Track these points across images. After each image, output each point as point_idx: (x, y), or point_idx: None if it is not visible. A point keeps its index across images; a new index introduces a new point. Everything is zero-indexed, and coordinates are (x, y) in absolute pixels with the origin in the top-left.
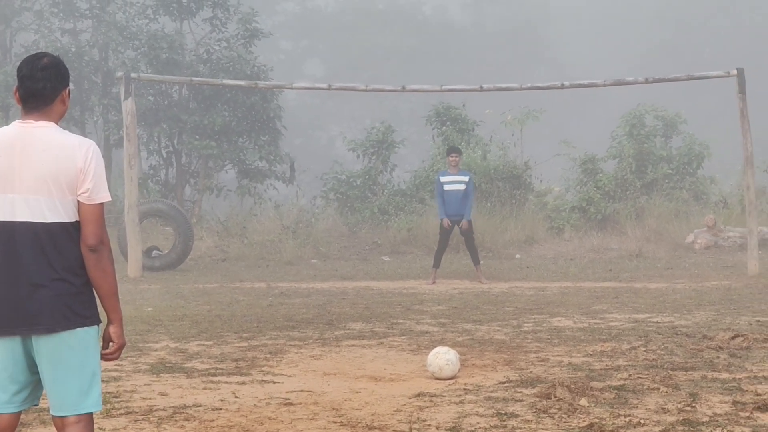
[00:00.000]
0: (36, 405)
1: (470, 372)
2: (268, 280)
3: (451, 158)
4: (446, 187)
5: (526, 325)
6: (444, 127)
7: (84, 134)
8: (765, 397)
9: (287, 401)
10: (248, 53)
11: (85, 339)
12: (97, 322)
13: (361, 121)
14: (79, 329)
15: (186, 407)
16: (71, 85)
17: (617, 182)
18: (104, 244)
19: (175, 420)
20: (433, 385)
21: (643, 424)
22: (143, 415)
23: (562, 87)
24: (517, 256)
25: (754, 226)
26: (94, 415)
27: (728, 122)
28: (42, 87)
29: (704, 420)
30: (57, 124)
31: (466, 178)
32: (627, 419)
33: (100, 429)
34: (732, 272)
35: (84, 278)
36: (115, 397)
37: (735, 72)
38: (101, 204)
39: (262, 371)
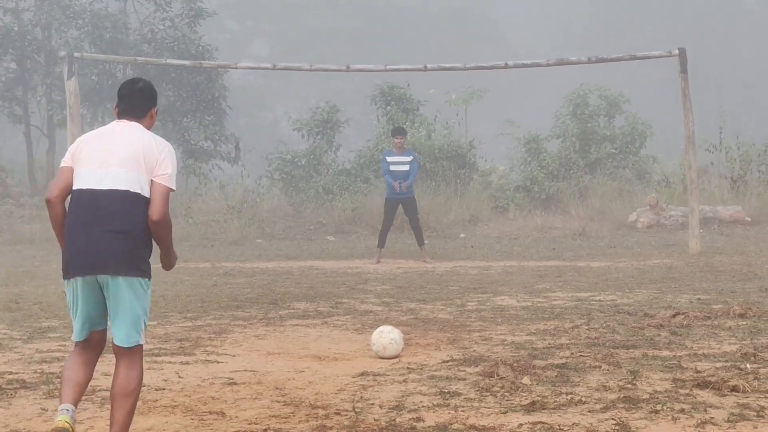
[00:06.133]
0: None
1: (414, 351)
2: (212, 260)
3: (396, 140)
4: (392, 168)
5: (469, 304)
6: (388, 107)
7: (27, 114)
8: (704, 374)
9: (231, 381)
10: (193, 33)
11: (138, 286)
12: (149, 276)
13: (306, 101)
14: (134, 278)
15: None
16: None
17: (561, 162)
18: (165, 220)
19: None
20: (377, 364)
21: (585, 402)
22: (86, 395)
23: (506, 67)
24: (462, 235)
25: (696, 205)
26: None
27: (670, 102)
28: (136, 105)
29: (645, 397)
30: None
31: (410, 158)
32: (569, 397)
33: (43, 409)
34: (674, 251)
35: (145, 241)
36: (58, 377)
37: (677, 52)
38: (169, 188)
39: (206, 351)
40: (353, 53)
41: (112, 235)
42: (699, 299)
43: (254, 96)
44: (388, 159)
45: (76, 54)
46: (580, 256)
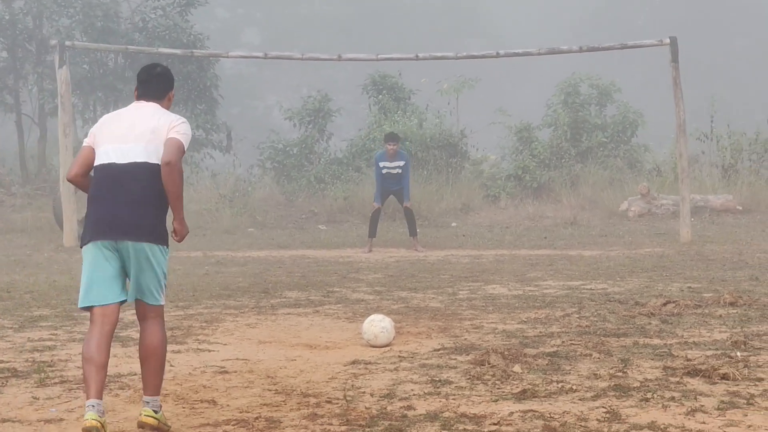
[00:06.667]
0: (125, 301)
1: (405, 339)
2: (204, 249)
3: (389, 147)
4: (384, 171)
5: (461, 292)
6: (380, 96)
7: (18, 103)
8: (695, 362)
9: (222, 369)
10: (184, 21)
11: (157, 253)
12: (167, 244)
13: (298, 90)
14: (154, 245)
15: (121, 376)
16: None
17: (552, 150)
18: (175, 164)
19: (110, 389)
20: (368, 352)
21: (576, 390)
22: (78, 384)
23: (498, 56)
24: (453, 224)
25: (687, 194)
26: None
27: (661, 91)
28: (155, 88)
29: (635, 385)
30: None
31: (403, 163)
32: (559, 385)
33: (34, 398)
34: (665, 239)
35: (164, 210)
36: (50, 366)
37: (668, 41)
38: (180, 142)
39: (198, 340)
40: (345, 42)
41: (133, 204)
42: (690, 288)
43: (246, 85)
44: (381, 164)
45: (67, 43)
46: (571, 245)
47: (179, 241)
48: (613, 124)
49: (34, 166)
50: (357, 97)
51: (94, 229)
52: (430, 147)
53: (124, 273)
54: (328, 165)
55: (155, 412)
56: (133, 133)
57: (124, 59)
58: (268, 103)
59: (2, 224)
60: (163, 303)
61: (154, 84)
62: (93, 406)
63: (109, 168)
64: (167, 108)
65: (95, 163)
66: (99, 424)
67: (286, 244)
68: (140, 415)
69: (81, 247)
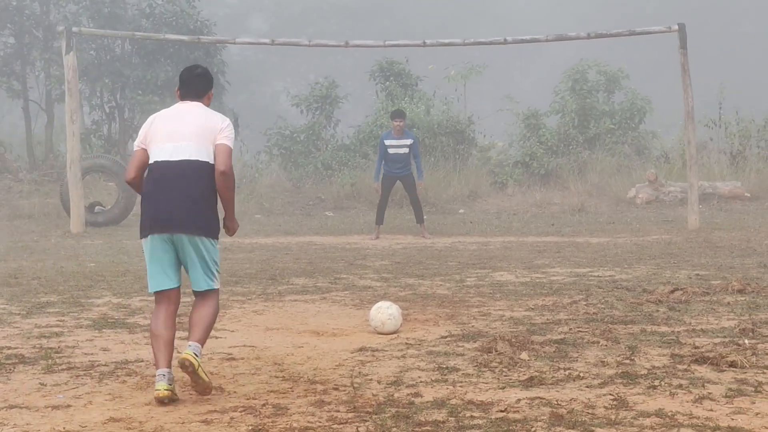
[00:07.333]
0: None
1: (412, 327)
2: None
3: (395, 123)
4: (390, 150)
5: (468, 279)
6: (387, 83)
7: (26, 89)
8: (702, 349)
9: (230, 356)
10: (191, 8)
11: (208, 245)
12: (217, 237)
13: (305, 76)
14: (205, 238)
15: (128, 362)
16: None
17: (560, 137)
18: (229, 171)
19: (117, 375)
20: (375, 339)
21: (583, 377)
22: (85, 370)
23: (505, 42)
24: (461, 211)
25: (695, 181)
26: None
27: (670, 77)
28: (196, 88)
29: (642, 373)
30: None
31: (410, 141)
32: (567, 372)
33: (41, 384)
34: (672, 226)
35: (214, 205)
36: (57, 352)
37: (676, 27)
38: (230, 148)
39: None
40: (352, 29)
41: (186, 200)
42: (698, 275)
43: (253, 71)
44: (386, 142)
45: (74, 29)
46: (578, 232)
47: (231, 235)
48: (621, 110)
49: (41, 153)
50: (364, 84)
51: (151, 224)
52: (437, 134)
53: (179, 261)
54: (335, 151)
55: (195, 355)
56: (184, 132)
57: (131, 45)
58: (275, 89)
59: (10, 210)
60: (216, 287)
61: (195, 84)
62: (163, 375)
63: (163, 165)
64: (207, 105)
65: (151, 160)
66: (169, 393)
67: (293, 230)
68: (181, 353)
69: (141, 239)
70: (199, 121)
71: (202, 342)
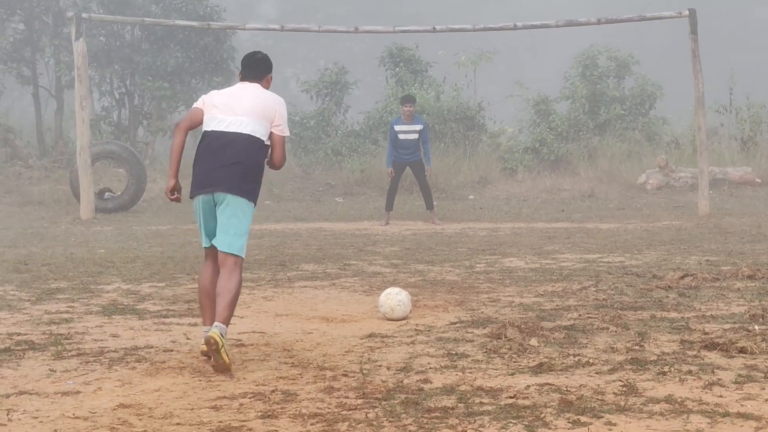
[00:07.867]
0: None
1: (422, 313)
2: None
3: (405, 108)
4: (400, 136)
5: (478, 265)
6: (397, 69)
7: (35, 75)
8: (712, 335)
9: (239, 342)
10: None
11: (244, 206)
12: (255, 202)
13: (315, 62)
14: (242, 198)
15: (137, 349)
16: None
17: (570, 123)
18: (284, 163)
19: (127, 361)
20: (385, 325)
21: (592, 364)
22: (95, 356)
23: (515, 28)
24: (471, 197)
25: (705, 167)
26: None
27: (680, 63)
28: (257, 71)
29: (652, 359)
30: None
31: (420, 127)
32: (576, 359)
33: (51, 370)
34: (683, 212)
35: (256, 174)
36: (67, 338)
37: (687, 13)
38: (284, 137)
39: None
40: (362, 15)
41: (233, 165)
42: (708, 261)
43: None
44: (396, 128)
45: (84, 15)
46: (588, 218)
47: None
48: (631, 96)
49: (51, 139)
50: (374, 70)
51: (197, 184)
52: (447, 120)
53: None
54: (345, 137)
55: (221, 335)
56: (242, 108)
57: (140, 31)
58: (284, 75)
59: (20, 197)
60: (242, 256)
61: (255, 67)
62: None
63: (217, 134)
64: (266, 89)
65: (205, 128)
66: (218, 335)
67: (302, 216)
68: (206, 332)
69: (190, 198)
70: (257, 101)
71: (227, 322)
